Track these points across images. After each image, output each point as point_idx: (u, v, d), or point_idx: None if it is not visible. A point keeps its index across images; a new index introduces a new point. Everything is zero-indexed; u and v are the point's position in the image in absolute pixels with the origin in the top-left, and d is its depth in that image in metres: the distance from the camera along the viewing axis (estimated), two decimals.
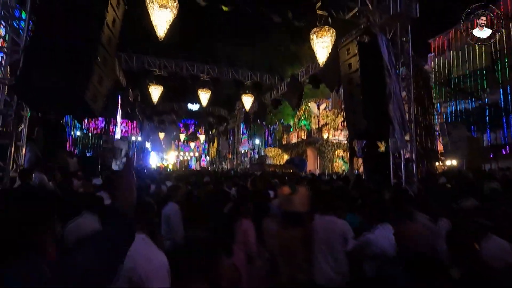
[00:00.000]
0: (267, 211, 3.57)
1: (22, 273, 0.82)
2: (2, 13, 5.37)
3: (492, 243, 2.21)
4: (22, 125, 5.51)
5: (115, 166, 10.56)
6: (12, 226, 0.91)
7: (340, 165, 22.06)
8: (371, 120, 6.41)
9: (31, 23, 5.27)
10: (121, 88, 13.16)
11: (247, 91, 14.16)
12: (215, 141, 37.02)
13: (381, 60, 6.66)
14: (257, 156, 32.75)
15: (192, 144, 40.74)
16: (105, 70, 4.78)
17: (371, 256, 2.50)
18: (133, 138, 29.12)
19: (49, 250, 0.97)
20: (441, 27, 23.90)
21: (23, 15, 5.60)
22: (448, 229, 2.47)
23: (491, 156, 13.15)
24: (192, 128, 36.28)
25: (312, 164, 22.12)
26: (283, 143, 26.56)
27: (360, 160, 11.68)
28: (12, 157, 5.22)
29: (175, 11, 5.95)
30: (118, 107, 17.27)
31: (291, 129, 27.08)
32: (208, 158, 40.65)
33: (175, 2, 5.90)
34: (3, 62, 5.49)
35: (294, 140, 24.97)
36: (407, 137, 7.09)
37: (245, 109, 15.86)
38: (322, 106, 24.39)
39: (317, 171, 20.04)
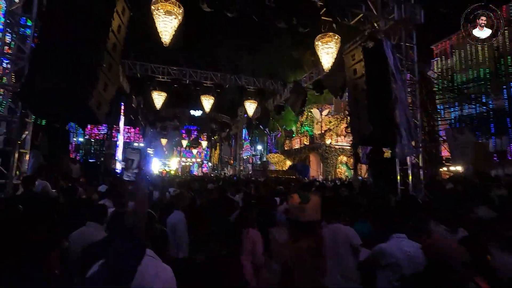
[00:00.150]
0: (273, 220, 3.50)
1: (22, 273, 0.84)
2: (8, 20, 5.40)
3: (507, 255, 2.13)
4: (26, 132, 5.48)
5: (126, 177, 10.63)
6: (13, 226, 0.94)
7: (343, 171, 21.93)
8: (376, 126, 6.31)
9: (36, 31, 5.29)
10: (124, 94, 13.20)
11: (250, 97, 14.15)
12: (217, 147, 37.01)
13: (386, 65, 6.62)
14: (259, 162, 32.65)
15: (194, 150, 40.72)
16: (110, 77, 4.76)
17: (385, 265, 2.42)
18: (136, 144, 29.16)
19: (54, 263, 0.98)
20: (444, 32, 23.99)
21: (29, 23, 5.63)
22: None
23: (497, 161, 13.02)
24: (195, 134, 36.29)
25: (315, 170, 21.99)
26: (286, 148, 26.46)
27: (364, 166, 11.59)
28: (15, 164, 5.18)
29: (180, 18, 5.97)
30: (121, 114, 17.28)
31: (293, 135, 27.01)
32: (210, 164, 40.60)
33: (180, 8, 5.92)
34: (8, 68, 5.49)
35: (297, 146, 24.87)
36: (413, 143, 7.00)
37: (247, 115, 15.83)
38: (325, 112, 24.36)
39: (320, 177, 19.92)
